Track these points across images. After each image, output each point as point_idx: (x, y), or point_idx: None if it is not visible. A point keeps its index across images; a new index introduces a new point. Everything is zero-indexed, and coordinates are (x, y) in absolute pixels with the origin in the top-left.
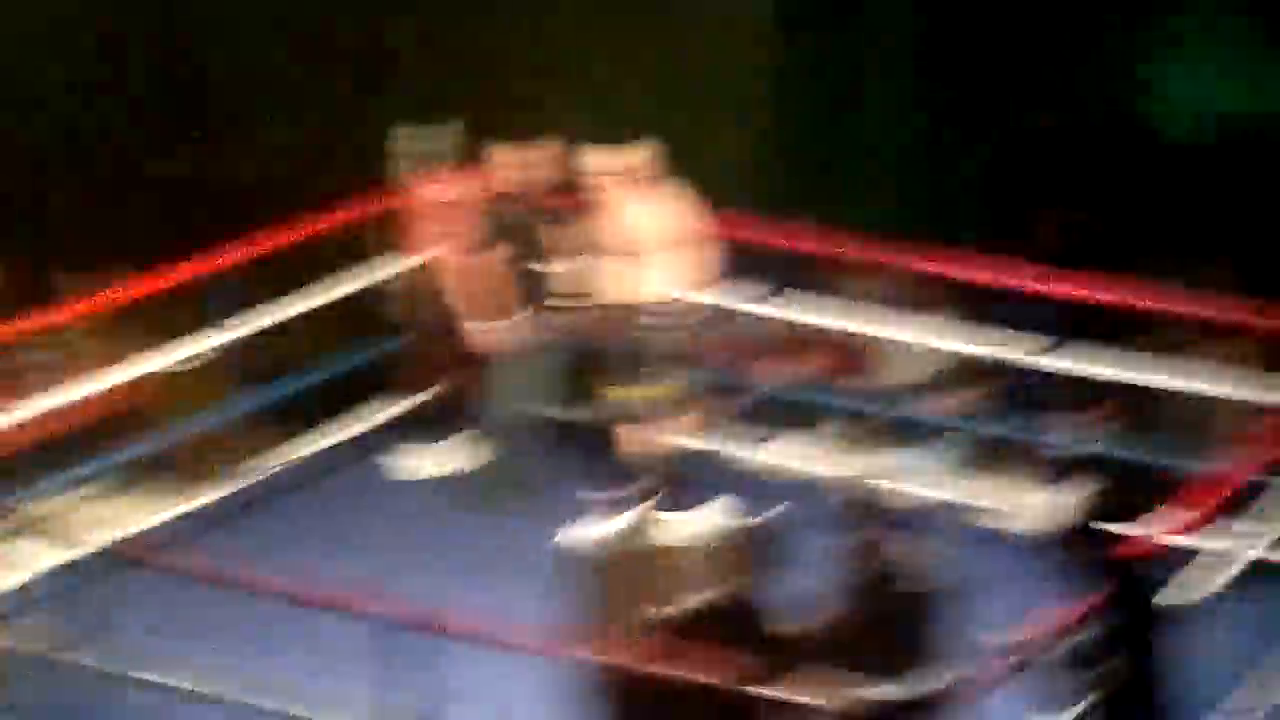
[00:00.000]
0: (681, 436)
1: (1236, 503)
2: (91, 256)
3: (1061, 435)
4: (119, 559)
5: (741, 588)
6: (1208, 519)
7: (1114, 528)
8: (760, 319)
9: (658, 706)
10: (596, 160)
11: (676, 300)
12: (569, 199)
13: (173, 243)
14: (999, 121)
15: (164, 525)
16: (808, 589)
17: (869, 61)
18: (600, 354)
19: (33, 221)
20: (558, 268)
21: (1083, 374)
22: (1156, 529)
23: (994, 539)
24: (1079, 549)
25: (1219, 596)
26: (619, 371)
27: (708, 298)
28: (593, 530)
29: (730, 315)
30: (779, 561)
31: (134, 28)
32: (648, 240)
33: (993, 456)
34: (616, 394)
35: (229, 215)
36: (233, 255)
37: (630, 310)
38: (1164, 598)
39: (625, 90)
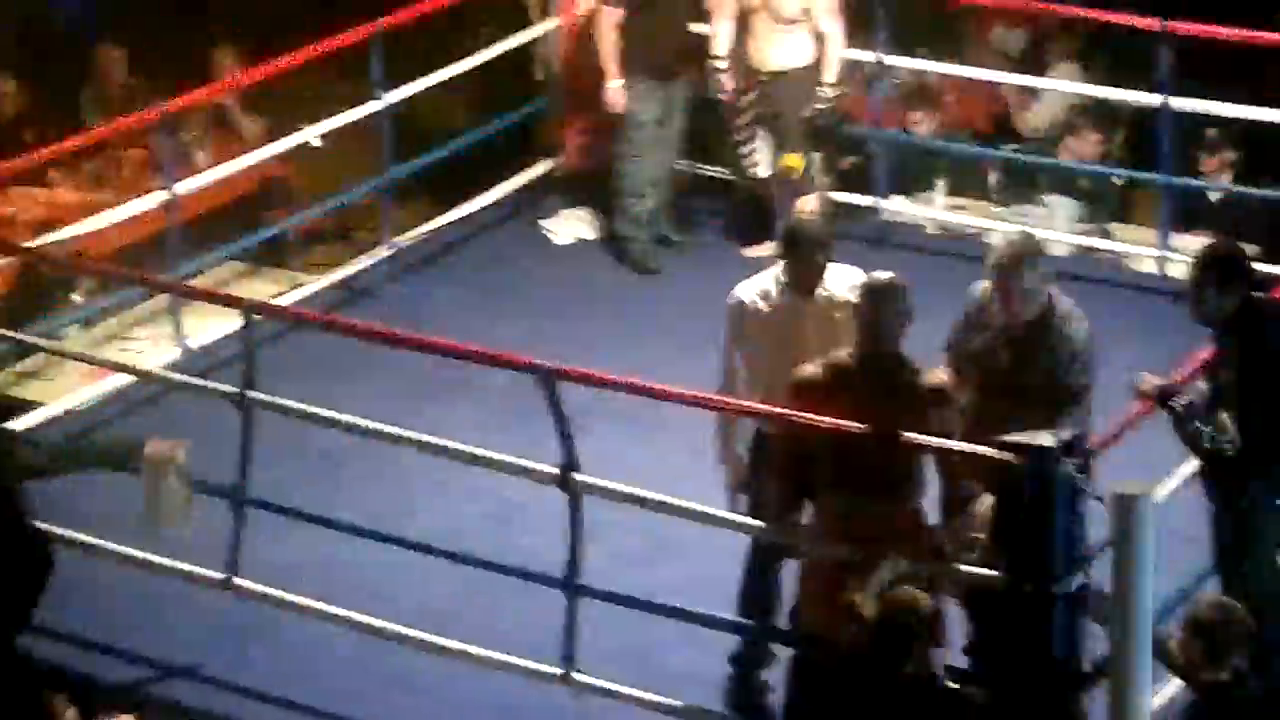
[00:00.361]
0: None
1: None
2: (234, 31)
3: (1192, 180)
4: (280, 321)
5: (886, 332)
6: None
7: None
8: (896, 70)
9: (810, 460)
10: None
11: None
12: None
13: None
14: None
15: (322, 292)
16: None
17: None
18: (774, 118)
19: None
20: (716, 29)
21: (1217, 114)
22: None
23: (1131, 285)
24: (1218, 290)
25: None
26: (784, 138)
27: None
28: (745, 289)
29: (871, 70)
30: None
31: None
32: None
33: (1127, 203)
34: (784, 161)
35: None
36: (374, 25)
37: (789, 76)
38: None
39: None
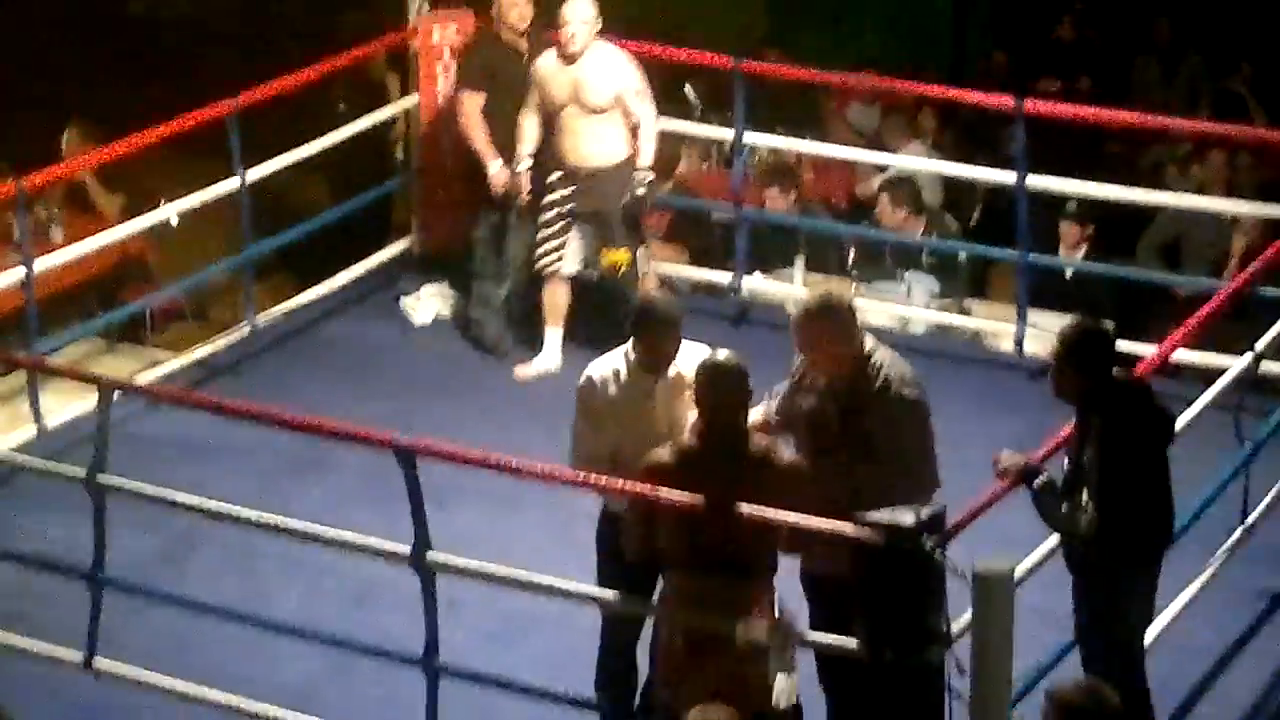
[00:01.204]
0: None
1: (1228, 317)
2: (96, 107)
3: (1051, 257)
4: (142, 399)
5: (728, 414)
6: (1199, 334)
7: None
8: (753, 149)
9: (657, 538)
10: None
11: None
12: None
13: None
14: None
15: (180, 370)
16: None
17: None
18: (594, 214)
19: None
20: (522, 124)
21: (1069, 194)
22: (1156, 347)
23: (988, 361)
24: (1079, 368)
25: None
26: (608, 234)
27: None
28: (596, 368)
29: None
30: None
31: None
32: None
33: (983, 280)
34: (610, 257)
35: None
36: (237, 102)
37: (607, 172)
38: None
39: None
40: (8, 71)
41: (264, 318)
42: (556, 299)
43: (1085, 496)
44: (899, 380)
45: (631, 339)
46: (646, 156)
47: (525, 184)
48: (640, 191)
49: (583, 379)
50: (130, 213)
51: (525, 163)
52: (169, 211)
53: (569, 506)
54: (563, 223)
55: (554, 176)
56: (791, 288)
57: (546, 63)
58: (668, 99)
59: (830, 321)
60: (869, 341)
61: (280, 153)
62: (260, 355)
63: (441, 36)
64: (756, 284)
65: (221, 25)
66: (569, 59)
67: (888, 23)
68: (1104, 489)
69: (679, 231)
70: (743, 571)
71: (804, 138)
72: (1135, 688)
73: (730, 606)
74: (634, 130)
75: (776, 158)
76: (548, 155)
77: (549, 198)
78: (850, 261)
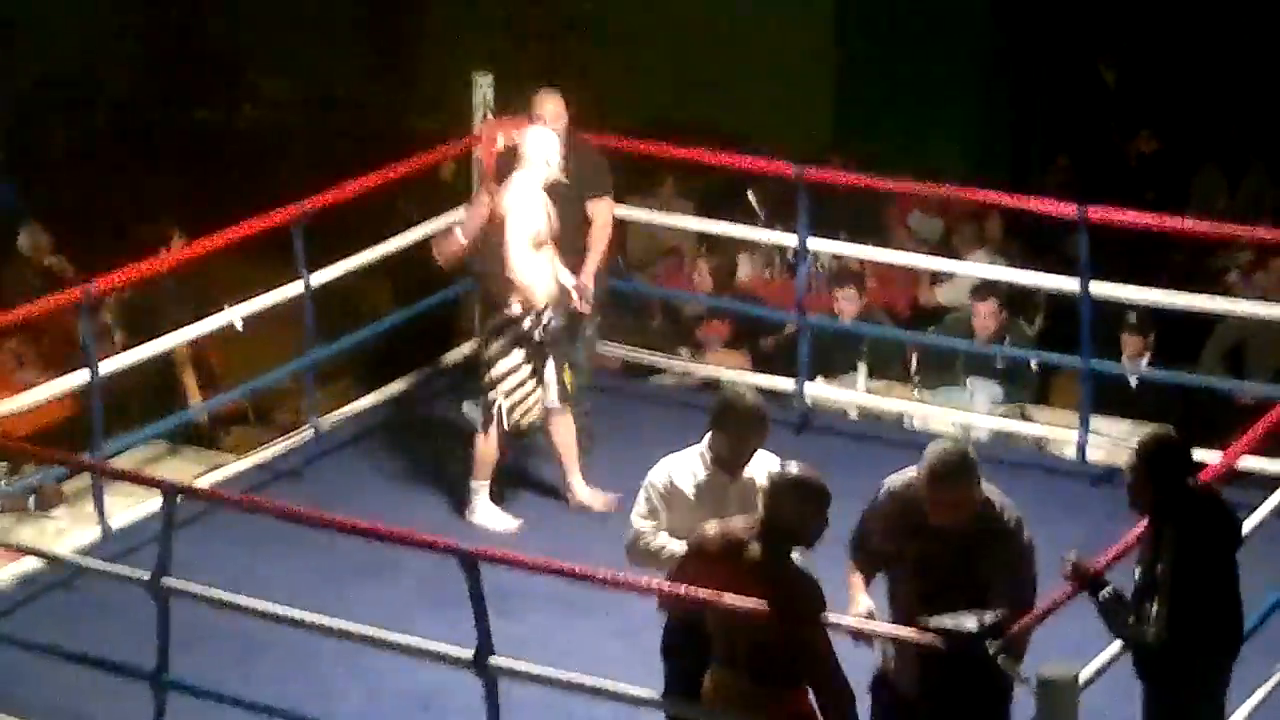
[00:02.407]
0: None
1: None
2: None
3: (1114, 363)
4: (201, 502)
5: (792, 526)
6: (1264, 441)
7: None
8: (815, 256)
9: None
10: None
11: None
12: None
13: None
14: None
15: (243, 473)
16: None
17: None
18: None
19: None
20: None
21: (1135, 302)
22: (1220, 454)
23: (1051, 468)
24: (1155, 478)
25: None
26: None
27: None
28: (673, 466)
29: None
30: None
31: None
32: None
33: (1046, 386)
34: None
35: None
36: (303, 206)
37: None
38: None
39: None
40: (83, 182)
41: (327, 421)
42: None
43: (1155, 606)
44: (1017, 522)
45: (712, 434)
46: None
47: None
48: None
49: (659, 476)
50: (196, 316)
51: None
52: (234, 315)
53: (632, 610)
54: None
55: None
56: (854, 394)
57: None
58: (730, 206)
59: (957, 482)
60: (989, 490)
61: (346, 257)
62: (323, 458)
63: (506, 143)
64: (819, 390)
65: (290, 132)
66: None
67: (951, 130)
68: (1175, 598)
69: (741, 338)
70: (769, 678)
71: (866, 245)
72: None
73: (759, 710)
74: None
75: (840, 264)
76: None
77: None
78: (913, 368)
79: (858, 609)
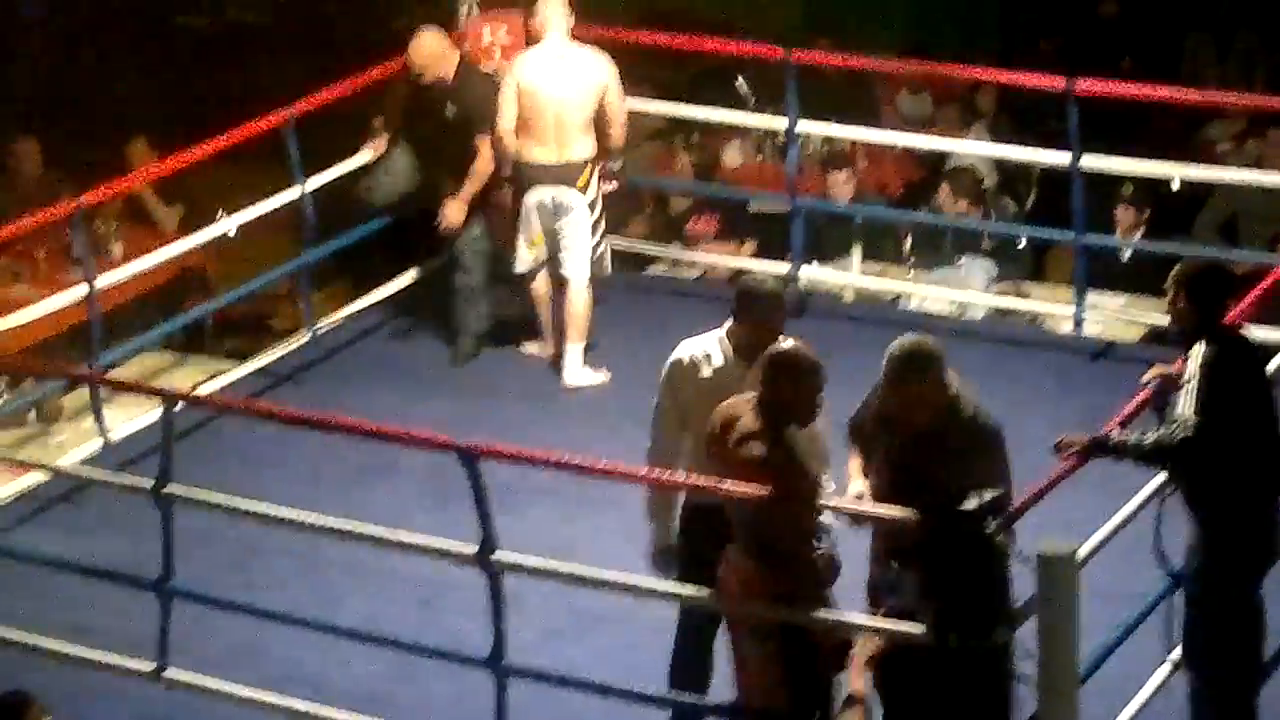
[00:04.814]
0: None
1: None
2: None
3: (1108, 238)
4: (205, 410)
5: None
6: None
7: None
8: (806, 139)
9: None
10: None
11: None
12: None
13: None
14: None
15: (242, 380)
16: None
17: None
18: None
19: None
20: None
21: (1127, 174)
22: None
23: (1048, 343)
24: (1195, 300)
25: None
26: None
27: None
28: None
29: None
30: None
31: None
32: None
33: (1040, 263)
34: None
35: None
36: (293, 111)
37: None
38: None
39: None
40: (61, 87)
41: (324, 324)
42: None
43: (1183, 405)
44: (984, 422)
45: (732, 322)
46: None
47: None
48: None
49: (673, 359)
50: (190, 224)
51: None
52: (229, 223)
53: (635, 502)
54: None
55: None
56: (849, 276)
57: None
58: (717, 92)
59: (922, 375)
60: (954, 383)
61: (335, 160)
62: (321, 363)
63: (493, 38)
64: (814, 273)
65: (272, 34)
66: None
67: (932, 8)
68: (1210, 391)
69: (734, 228)
70: (769, 556)
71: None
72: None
73: (765, 588)
74: None
75: (831, 146)
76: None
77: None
78: (907, 248)
79: (851, 492)
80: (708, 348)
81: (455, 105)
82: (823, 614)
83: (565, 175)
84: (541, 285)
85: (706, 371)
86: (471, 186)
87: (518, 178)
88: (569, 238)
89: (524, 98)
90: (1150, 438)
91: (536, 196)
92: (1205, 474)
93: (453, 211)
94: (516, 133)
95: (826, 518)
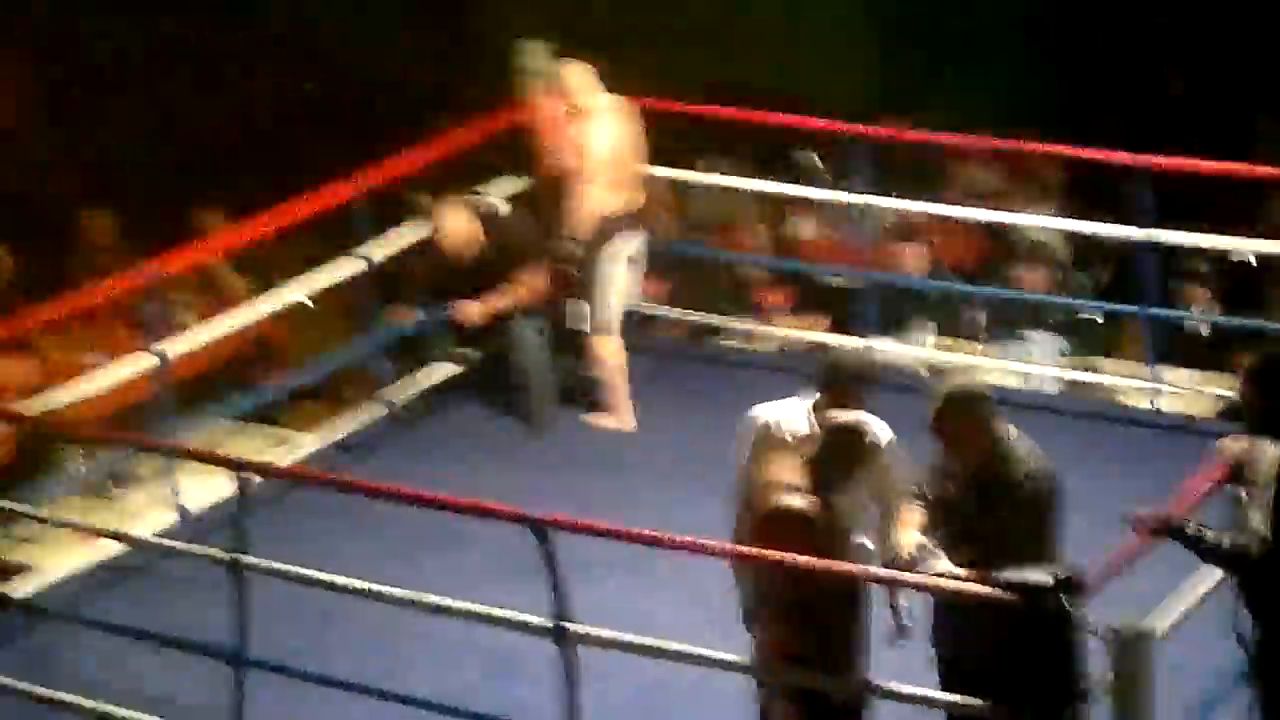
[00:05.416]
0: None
1: None
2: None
3: (1178, 312)
4: (274, 480)
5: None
6: None
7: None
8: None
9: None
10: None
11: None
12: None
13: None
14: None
15: (314, 450)
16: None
17: None
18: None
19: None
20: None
21: (1195, 247)
22: None
23: (1122, 419)
24: (1265, 395)
25: None
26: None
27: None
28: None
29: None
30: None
31: None
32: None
33: (1114, 340)
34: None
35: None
36: (361, 183)
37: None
38: None
39: None
40: (136, 155)
41: (395, 396)
42: None
43: (1258, 515)
44: (1038, 473)
45: (821, 394)
46: None
47: None
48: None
49: (754, 419)
50: (261, 294)
51: None
52: (301, 293)
53: (709, 573)
54: None
55: None
56: (921, 350)
57: None
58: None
59: (968, 412)
60: (1007, 429)
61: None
62: (393, 434)
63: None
64: (887, 347)
65: (337, 111)
66: None
67: (996, 82)
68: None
69: (807, 301)
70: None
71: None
72: None
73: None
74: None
75: (902, 220)
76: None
77: None
78: (979, 322)
79: (904, 541)
80: (791, 414)
81: (493, 254)
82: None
83: (637, 223)
84: (619, 343)
85: (787, 437)
86: (500, 302)
87: (602, 230)
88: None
89: (609, 150)
90: (1225, 542)
91: (622, 246)
92: (1273, 587)
93: (472, 312)
94: (598, 184)
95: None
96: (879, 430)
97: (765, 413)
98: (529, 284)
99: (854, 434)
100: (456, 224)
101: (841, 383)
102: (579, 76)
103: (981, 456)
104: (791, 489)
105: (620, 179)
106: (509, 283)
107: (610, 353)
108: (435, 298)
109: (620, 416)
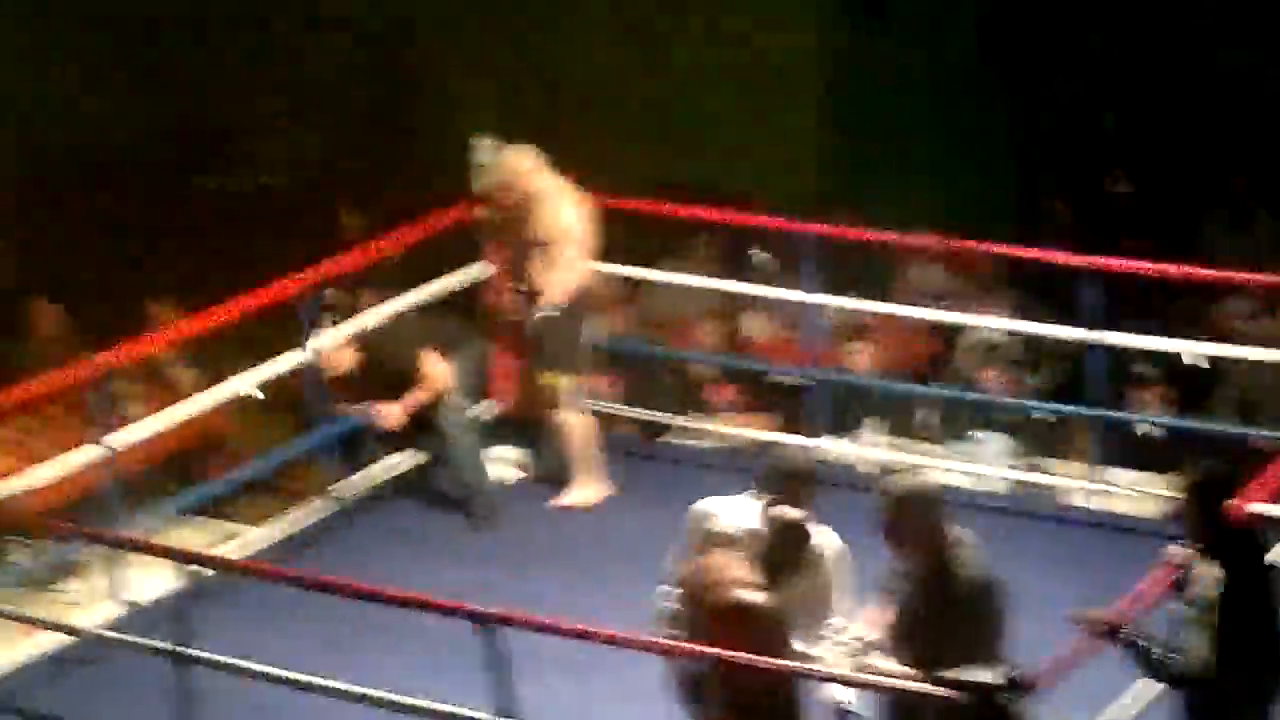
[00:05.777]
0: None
1: None
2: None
3: (1125, 414)
4: (225, 576)
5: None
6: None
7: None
8: (822, 309)
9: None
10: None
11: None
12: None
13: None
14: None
15: (259, 542)
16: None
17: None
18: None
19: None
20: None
21: (1142, 348)
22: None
23: (1064, 519)
24: (1203, 507)
25: None
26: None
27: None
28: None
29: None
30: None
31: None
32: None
33: (1060, 439)
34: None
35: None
36: (311, 276)
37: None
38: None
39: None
40: (83, 247)
41: (342, 489)
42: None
43: (1196, 634)
44: (983, 577)
45: (766, 493)
46: None
47: None
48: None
49: (700, 511)
50: (207, 385)
51: None
52: (248, 383)
53: (653, 669)
54: None
55: None
56: (873, 450)
57: None
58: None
59: (918, 514)
60: (955, 531)
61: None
62: (337, 526)
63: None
64: (832, 446)
65: (287, 197)
66: None
67: (949, 177)
68: (1226, 623)
69: (754, 397)
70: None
71: (873, 299)
72: None
73: None
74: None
75: (851, 318)
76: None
77: None
78: (931, 423)
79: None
80: (739, 510)
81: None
82: None
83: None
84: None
85: (732, 531)
86: (417, 399)
87: (578, 300)
88: None
89: (579, 222)
90: (1168, 660)
91: (589, 322)
92: (1207, 700)
93: (391, 415)
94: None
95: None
96: (827, 539)
97: (712, 506)
98: (433, 375)
99: (798, 531)
100: (336, 353)
101: (784, 482)
102: (532, 159)
103: (930, 557)
104: (744, 584)
105: (589, 254)
106: (416, 380)
107: (583, 425)
108: (357, 400)
109: (595, 487)
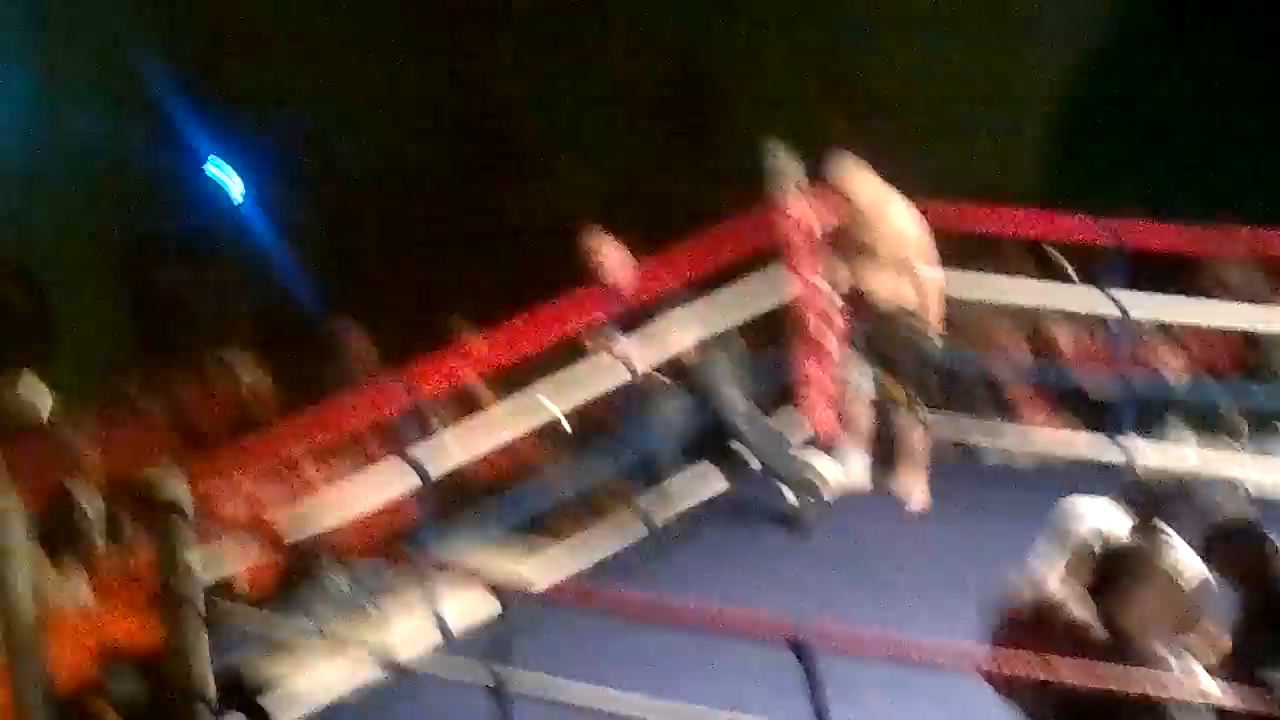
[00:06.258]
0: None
1: None
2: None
3: None
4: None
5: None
6: None
7: None
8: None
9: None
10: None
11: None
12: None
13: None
14: None
15: (572, 567)
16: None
17: None
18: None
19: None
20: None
21: None
22: None
23: None
24: None
25: None
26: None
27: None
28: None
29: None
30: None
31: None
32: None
33: None
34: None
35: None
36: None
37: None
38: None
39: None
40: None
41: (659, 513)
42: None
43: None
44: None
45: (1130, 507)
46: None
47: None
48: None
49: (1082, 523)
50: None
51: None
52: (560, 410)
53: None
54: None
55: None
56: (1180, 456)
57: None
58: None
59: (1241, 547)
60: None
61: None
62: (655, 548)
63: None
64: (1148, 455)
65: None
66: None
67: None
68: None
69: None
70: None
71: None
72: None
73: None
74: None
75: (1159, 323)
76: None
77: None
78: (1239, 426)
79: None
80: (1108, 515)
81: None
82: None
83: None
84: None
85: (1103, 533)
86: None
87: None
88: None
89: (919, 229)
90: None
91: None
92: None
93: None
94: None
95: None
96: (1190, 564)
97: (1082, 508)
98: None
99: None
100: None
101: (1148, 498)
102: (863, 167)
103: (1255, 585)
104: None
105: (932, 262)
106: None
107: (919, 436)
108: None
109: (921, 497)
